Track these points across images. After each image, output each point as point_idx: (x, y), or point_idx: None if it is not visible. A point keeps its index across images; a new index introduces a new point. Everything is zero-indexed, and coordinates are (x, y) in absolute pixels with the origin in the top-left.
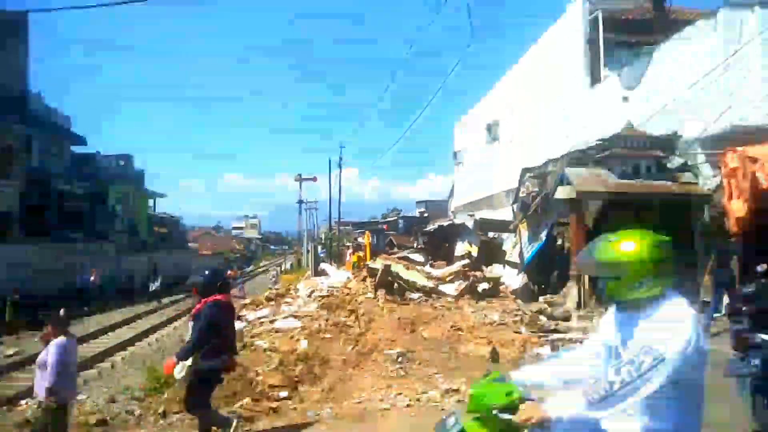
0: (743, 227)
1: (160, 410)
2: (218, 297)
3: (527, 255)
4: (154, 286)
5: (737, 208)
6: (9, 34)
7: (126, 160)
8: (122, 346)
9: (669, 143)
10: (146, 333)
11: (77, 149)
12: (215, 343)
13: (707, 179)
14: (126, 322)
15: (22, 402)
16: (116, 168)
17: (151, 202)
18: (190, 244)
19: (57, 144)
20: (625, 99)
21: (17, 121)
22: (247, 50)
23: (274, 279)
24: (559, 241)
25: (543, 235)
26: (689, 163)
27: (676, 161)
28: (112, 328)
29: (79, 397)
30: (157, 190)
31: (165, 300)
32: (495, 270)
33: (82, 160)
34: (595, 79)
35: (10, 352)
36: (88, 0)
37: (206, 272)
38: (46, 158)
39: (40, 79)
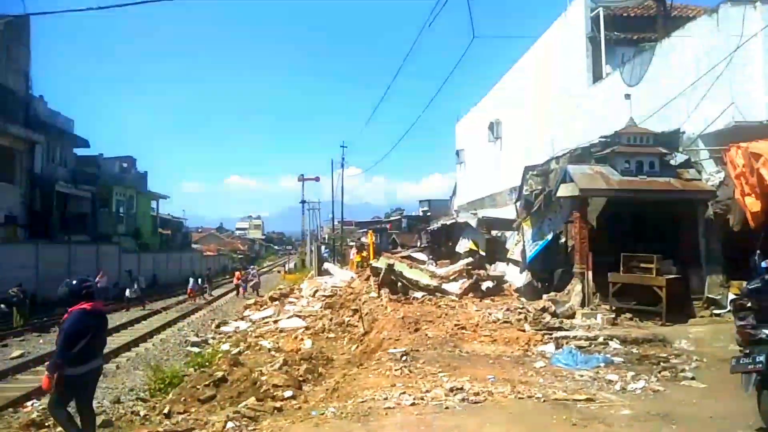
0: (759, 223)
1: (165, 410)
2: (84, 305)
3: (530, 253)
4: (131, 293)
5: (751, 203)
6: (11, 38)
7: (129, 162)
8: (127, 346)
9: (672, 140)
10: (150, 334)
11: (80, 152)
12: (80, 350)
13: (711, 175)
14: (131, 323)
15: (28, 403)
16: (119, 170)
17: (154, 203)
18: (194, 245)
19: (60, 147)
20: (628, 96)
21: (20, 124)
22: (252, 51)
23: (253, 284)
24: (563, 239)
25: (548, 233)
26: (692, 159)
27: (679, 158)
28: (116, 329)
29: None
30: (160, 191)
31: (145, 309)
32: (498, 268)
33: (85, 163)
34: (597, 76)
35: (16, 353)
36: (89, 2)
37: (73, 282)
38: (49, 161)
39: (42, 82)
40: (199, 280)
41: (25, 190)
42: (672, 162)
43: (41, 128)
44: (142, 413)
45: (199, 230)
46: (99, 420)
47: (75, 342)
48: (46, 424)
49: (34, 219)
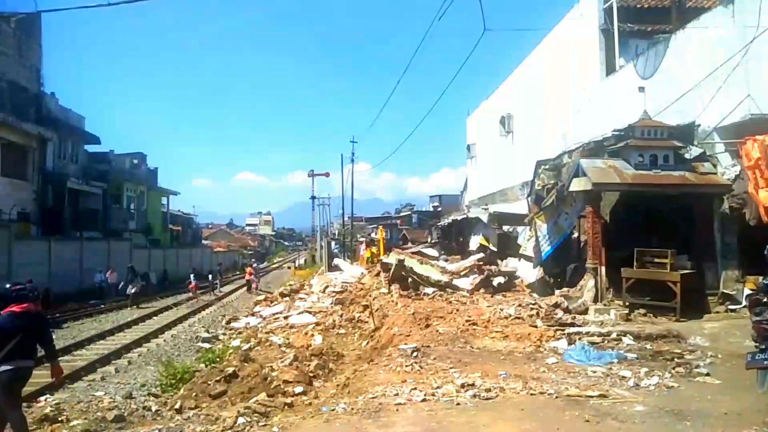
0: None
1: (177, 406)
2: (13, 308)
3: (547, 248)
4: (131, 289)
5: (765, 197)
6: (23, 35)
7: (139, 158)
8: (138, 342)
9: (686, 133)
10: (161, 330)
11: (91, 148)
12: (8, 350)
13: (726, 169)
14: (142, 319)
15: (41, 398)
16: (130, 167)
17: (164, 200)
18: (204, 241)
19: (71, 143)
20: (641, 89)
21: (32, 121)
22: (262, 47)
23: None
24: (575, 234)
25: (567, 228)
26: (707, 152)
27: (694, 151)
28: (128, 325)
29: (97, 393)
30: (170, 187)
31: (142, 308)
32: (510, 264)
33: (96, 159)
34: (610, 69)
35: None
36: None
37: (6, 286)
38: (60, 158)
39: (54, 79)
40: (210, 276)
41: (37, 186)
42: (687, 155)
43: (53, 125)
44: (153, 408)
45: (210, 226)
46: (111, 415)
47: (4, 342)
48: (59, 419)
49: (46, 215)
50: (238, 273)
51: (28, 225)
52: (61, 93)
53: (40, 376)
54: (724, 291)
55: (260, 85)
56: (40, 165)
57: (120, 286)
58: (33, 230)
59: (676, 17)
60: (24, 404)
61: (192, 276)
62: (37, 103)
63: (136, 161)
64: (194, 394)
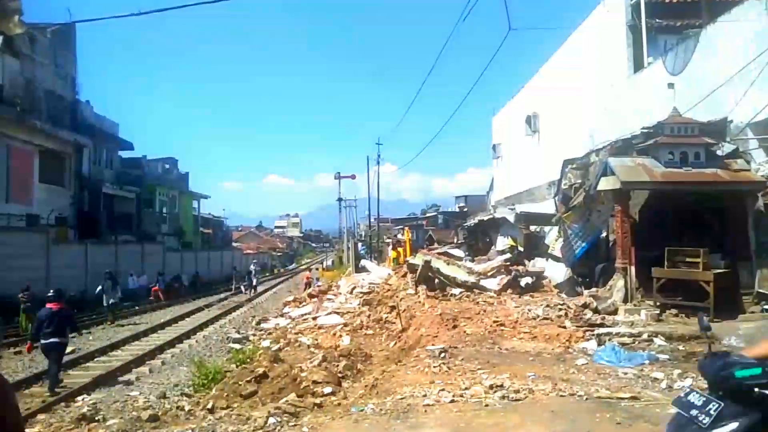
0: None
1: (209, 406)
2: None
3: (578, 249)
4: (110, 300)
5: None
6: (58, 46)
7: (171, 163)
8: (171, 343)
9: (718, 129)
10: (194, 331)
11: (125, 154)
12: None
13: (761, 165)
14: (174, 320)
15: (79, 398)
16: (162, 171)
17: (195, 203)
18: (234, 244)
19: (106, 150)
20: (671, 85)
21: (68, 128)
22: (289, 49)
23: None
24: (604, 233)
25: (600, 225)
26: (741, 149)
27: (726, 148)
28: (162, 326)
29: (132, 393)
30: (201, 191)
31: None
32: (537, 264)
33: (129, 165)
34: (638, 65)
35: (67, 350)
36: (131, 8)
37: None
38: (96, 164)
39: (88, 87)
40: (249, 275)
41: (74, 192)
42: (719, 152)
43: (88, 132)
44: (186, 408)
45: (239, 229)
46: (146, 414)
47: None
48: (96, 418)
49: (83, 220)
50: (268, 275)
51: (65, 229)
52: (96, 100)
53: (78, 376)
54: (760, 290)
55: (288, 88)
56: (76, 171)
57: (96, 292)
58: (70, 234)
59: (706, 11)
60: (62, 404)
61: (157, 277)
62: (72, 111)
63: (167, 166)
64: (226, 394)
